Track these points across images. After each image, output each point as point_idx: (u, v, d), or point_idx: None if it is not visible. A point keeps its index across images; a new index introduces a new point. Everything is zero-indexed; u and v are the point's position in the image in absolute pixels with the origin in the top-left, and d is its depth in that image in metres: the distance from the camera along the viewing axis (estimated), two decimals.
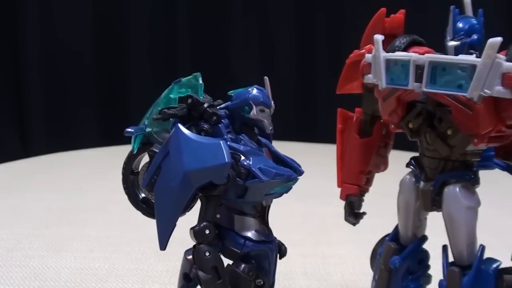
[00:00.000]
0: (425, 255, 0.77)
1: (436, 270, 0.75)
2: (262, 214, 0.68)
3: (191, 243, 0.66)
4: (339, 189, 0.83)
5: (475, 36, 0.66)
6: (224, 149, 0.61)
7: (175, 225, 0.63)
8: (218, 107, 0.67)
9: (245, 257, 0.66)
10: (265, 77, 0.68)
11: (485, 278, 0.67)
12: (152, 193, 0.68)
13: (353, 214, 0.82)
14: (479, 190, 0.69)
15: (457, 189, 0.68)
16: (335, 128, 0.84)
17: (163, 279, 1.04)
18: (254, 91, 0.67)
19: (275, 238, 0.69)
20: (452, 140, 0.67)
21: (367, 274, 0.83)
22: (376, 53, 0.70)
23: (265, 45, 2.54)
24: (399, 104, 0.70)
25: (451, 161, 0.69)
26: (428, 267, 0.78)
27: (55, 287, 1.00)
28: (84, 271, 1.07)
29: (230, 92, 0.69)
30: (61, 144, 2.30)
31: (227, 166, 0.61)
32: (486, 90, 0.59)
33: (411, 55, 0.66)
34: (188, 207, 0.65)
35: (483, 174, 0.71)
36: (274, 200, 0.68)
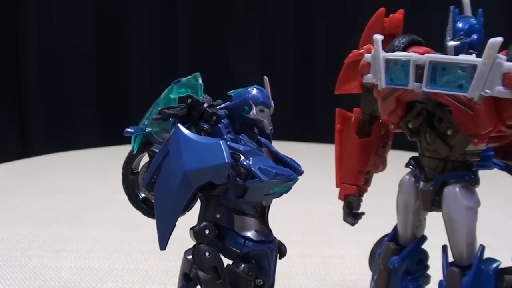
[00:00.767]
0: (424, 256, 0.77)
1: (435, 270, 0.75)
2: (262, 214, 0.68)
3: (191, 243, 0.66)
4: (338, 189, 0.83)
5: (474, 36, 0.66)
6: (224, 149, 0.61)
7: (175, 225, 0.64)
8: (217, 107, 0.67)
9: (245, 257, 0.66)
10: (265, 77, 0.68)
11: (485, 278, 0.66)
12: (152, 193, 0.68)
13: (352, 214, 0.82)
14: (479, 190, 0.69)
15: (457, 189, 0.68)
16: (335, 128, 0.84)
17: (163, 279, 1.04)
18: (254, 91, 0.67)
19: (275, 238, 0.69)
20: (452, 140, 0.67)
21: (367, 274, 0.83)
22: (375, 53, 0.70)
23: (265, 45, 2.54)
24: (398, 104, 0.70)
25: (451, 161, 0.69)
26: (427, 267, 0.78)
27: (55, 287, 1.00)
28: (84, 271, 1.07)
29: (230, 92, 0.69)
30: (61, 144, 2.30)
31: (227, 166, 0.61)
32: (486, 90, 0.59)
33: (411, 55, 0.66)
34: (188, 207, 0.65)
35: (482, 174, 0.71)
36: (274, 200, 0.68)
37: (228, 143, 0.63)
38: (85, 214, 1.41)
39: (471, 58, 0.61)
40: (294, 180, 0.66)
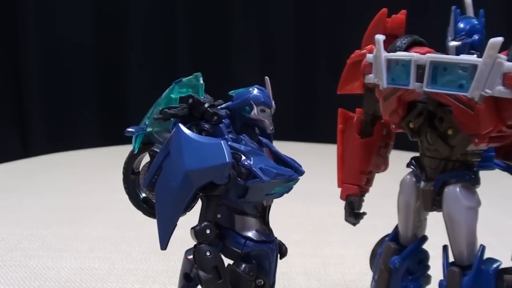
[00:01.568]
0: (425, 256, 0.77)
1: (436, 270, 0.75)
2: (262, 214, 0.68)
3: (191, 243, 0.65)
4: (339, 189, 0.83)
5: (476, 36, 0.66)
6: (225, 149, 0.61)
7: (176, 225, 0.63)
8: (218, 107, 0.67)
9: (245, 257, 0.66)
10: (266, 77, 0.68)
11: (485, 278, 0.67)
12: (152, 193, 0.68)
13: (354, 214, 0.82)
14: (479, 190, 0.69)
15: (457, 189, 0.68)
16: (335, 128, 0.84)
17: (163, 279, 1.04)
18: (255, 91, 0.67)
19: (276, 238, 0.69)
20: (452, 140, 0.67)
21: (367, 274, 0.83)
22: (377, 53, 0.70)
23: (265, 45, 2.54)
24: (400, 104, 0.70)
25: (451, 161, 0.69)
26: (428, 267, 0.78)
27: (55, 287, 1.00)
28: (84, 271, 1.07)
29: (231, 92, 0.69)
30: (61, 144, 2.30)
31: (228, 166, 0.61)
32: (487, 90, 0.59)
33: (413, 55, 0.66)
34: (188, 207, 0.65)
35: (483, 174, 0.71)
36: (275, 200, 0.68)
37: (229, 143, 0.63)
38: (85, 214, 1.41)
39: (472, 58, 0.61)
40: (295, 180, 0.66)
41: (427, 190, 0.71)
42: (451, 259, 0.70)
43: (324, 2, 2.48)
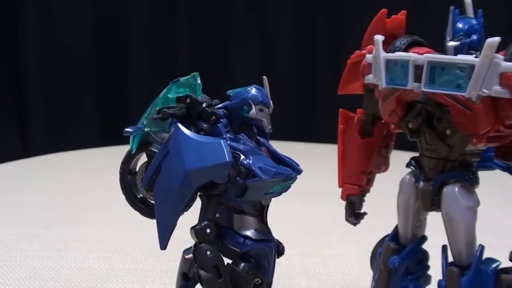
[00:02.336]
0: (424, 255, 0.77)
1: (435, 270, 0.75)
2: (261, 213, 0.68)
3: (190, 242, 0.66)
4: (339, 189, 0.83)
5: (474, 37, 0.66)
6: (224, 148, 0.61)
7: (175, 224, 0.63)
8: (216, 107, 0.67)
9: (244, 256, 0.66)
10: (264, 76, 0.68)
11: (484, 278, 0.67)
12: (150, 193, 0.68)
13: (354, 214, 0.82)
14: (479, 190, 0.69)
15: (456, 189, 0.68)
16: (335, 128, 0.84)
17: (163, 279, 1.04)
18: (253, 91, 0.67)
19: (273, 237, 0.69)
20: (451, 140, 0.67)
21: (367, 274, 0.83)
22: (376, 53, 0.70)
23: (265, 45, 2.54)
24: (398, 104, 0.70)
25: (450, 161, 0.69)
26: (427, 267, 0.78)
27: (55, 287, 1.00)
28: (84, 271, 1.07)
29: (229, 92, 0.69)
30: (61, 144, 2.30)
31: (228, 165, 0.61)
32: (484, 90, 0.59)
33: (410, 55, 0.66)
34: (187, 207, 0.65)
35: (483, 174, 0.71)
36: (274, 200, 0.68)
37: (228, 142, 0.63)
38: (85, 214, 1.41)
39: (469, 58, 0.61)
40: (294, 179, 0.66)
41: (426, 190, 0.71)
42: (450, 259, 0.70)
43: (324, 2, 2.48)
